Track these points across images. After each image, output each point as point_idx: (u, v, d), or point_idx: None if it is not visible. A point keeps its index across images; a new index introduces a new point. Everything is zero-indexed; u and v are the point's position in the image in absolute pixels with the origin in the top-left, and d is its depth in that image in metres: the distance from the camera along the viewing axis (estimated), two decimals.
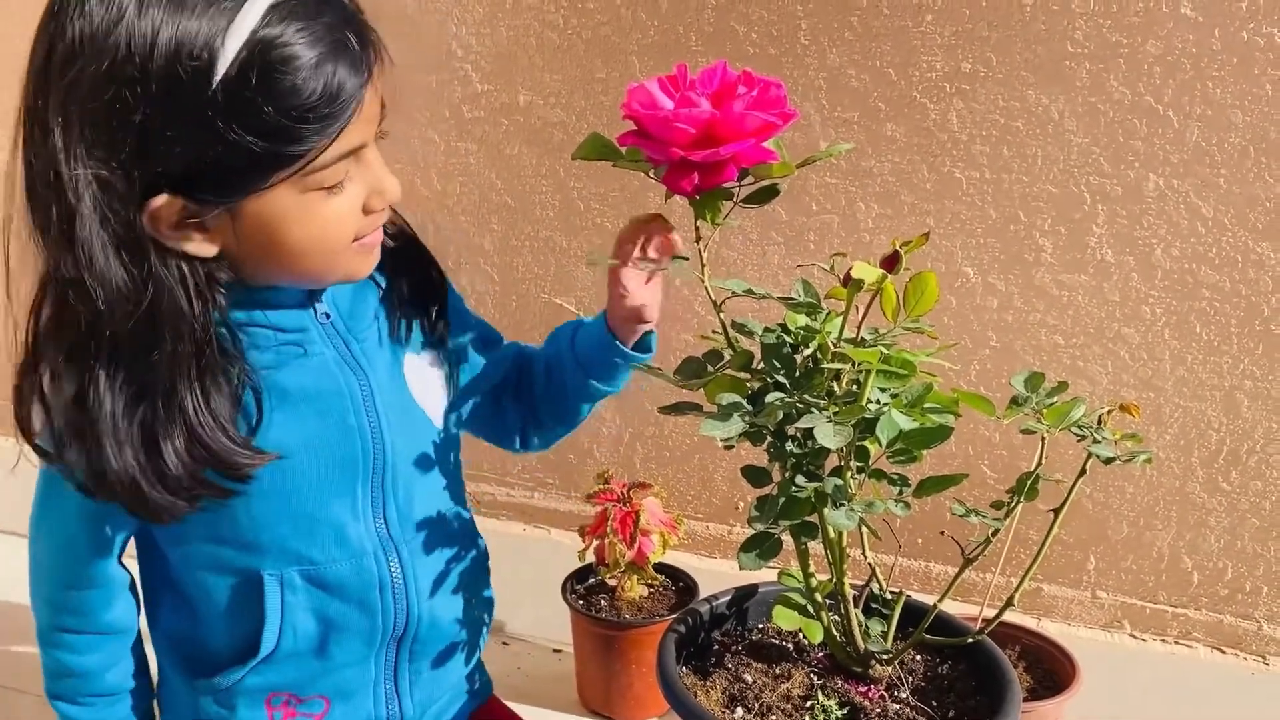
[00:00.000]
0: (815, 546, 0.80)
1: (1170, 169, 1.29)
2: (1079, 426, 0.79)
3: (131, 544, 0.90)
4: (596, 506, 1.40)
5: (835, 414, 0.71)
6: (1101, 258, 1.34)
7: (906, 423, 0.72)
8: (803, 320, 0.78)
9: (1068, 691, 1.23)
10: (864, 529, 0.86)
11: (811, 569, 0.83)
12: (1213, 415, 1.35)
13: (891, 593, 0.89)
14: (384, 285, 0.92)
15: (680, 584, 1.49)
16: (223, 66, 0.69)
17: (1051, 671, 1.29)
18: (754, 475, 0.80)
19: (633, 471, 1.63)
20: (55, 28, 0.70)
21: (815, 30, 1.39)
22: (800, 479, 0.75)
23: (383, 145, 0.83)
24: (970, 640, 0.86)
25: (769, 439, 0.76)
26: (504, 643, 1.63)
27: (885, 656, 0.85)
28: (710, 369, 0.79)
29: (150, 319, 0.73)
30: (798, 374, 0.76)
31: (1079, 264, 1.35)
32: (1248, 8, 1.21)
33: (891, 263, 0.75)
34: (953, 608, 0.91)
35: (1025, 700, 1.20)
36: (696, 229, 0.79)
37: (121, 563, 0.89)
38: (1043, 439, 0.81)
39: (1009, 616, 0.91)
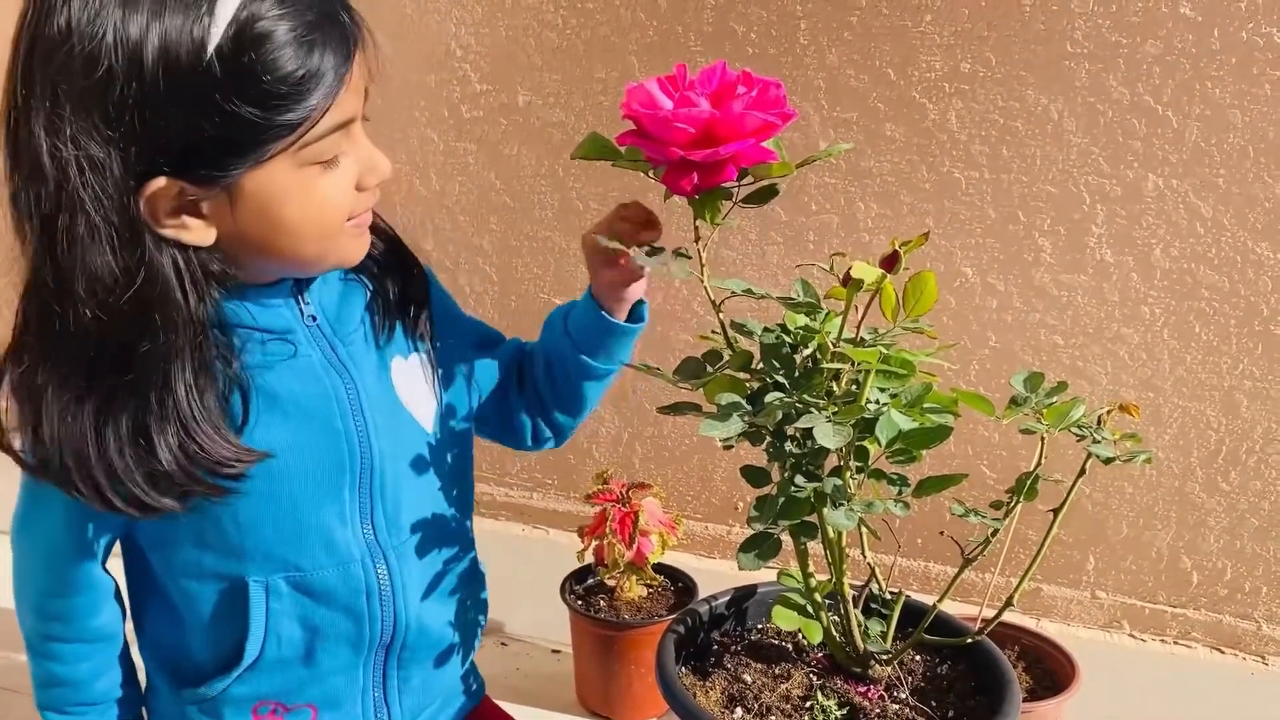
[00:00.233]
0: (815, 547, 0.80)
1: (1169, 169, 1.29)
2: (1078, 426, 0.79)
3: (116, 554, 0.89)
4: (595, 507, 1.40)
5: (835, 414, 0.71)
6: (1101, 258, 1.34)
7: (906, 423, 0.72)
8: (802, 320, 0.78)
9: (1067, 691, 1.23)
10: (863, 529, 0.86)
11: (811, 569, 0.83)
12: (1212, 415, 1.35)
13: (891, 593, 0.89)
14: (370, 288, 0.91)
15: (679, 584, 1.49)
16: (216, 36, 0.69)
17: (1051, 671, 1.29)
18: (753, 475, 0.80)
19: (632, 472, 1.64)
20: (45, 6, 0.69)
21: (815, 30, 1.39)
22: (799, 479, 0.74)
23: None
24: (970, 640, 0.86)
25: (768, 439, 0.76)
26: (503, 643, 1.63)
27: (885, 657, 0.85)
28: (709, 369, 0.79)
29: (141, 310, 0.73)
30: (797, 374, 0.76)
31: (1078, 264, 1.35)
32: (1247, 8, 1.21)
33: (891, 263, 0.75)
34: (952, 608, 0.91)
35: (1025, 700, 1.20)
36: (696, 229, 0.79)
37: (106, 569, 0.88)
38: (1042, 439, 0.81)
39: (1009, 616, 0.90)
